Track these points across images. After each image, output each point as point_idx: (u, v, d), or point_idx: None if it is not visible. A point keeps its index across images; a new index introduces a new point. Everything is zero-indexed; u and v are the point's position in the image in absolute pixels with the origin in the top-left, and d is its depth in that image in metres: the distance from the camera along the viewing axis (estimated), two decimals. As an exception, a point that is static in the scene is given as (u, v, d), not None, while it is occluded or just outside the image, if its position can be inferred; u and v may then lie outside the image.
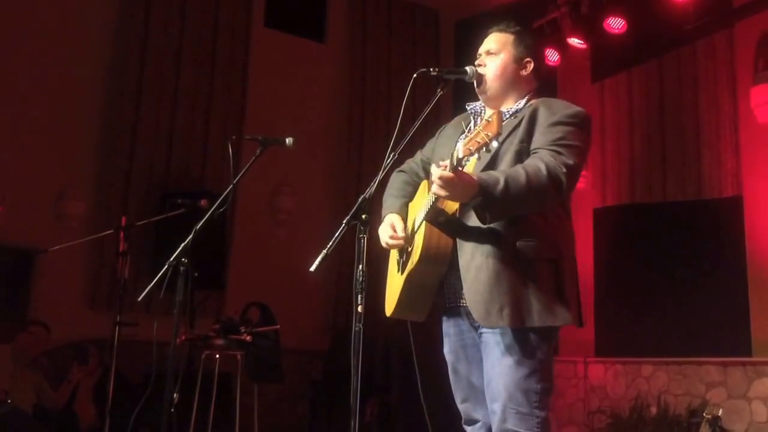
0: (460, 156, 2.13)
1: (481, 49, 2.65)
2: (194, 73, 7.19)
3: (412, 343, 2.62)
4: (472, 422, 2.57)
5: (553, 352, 2.45)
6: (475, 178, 2.22)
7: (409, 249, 2.49)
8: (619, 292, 6.89)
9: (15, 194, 6.05)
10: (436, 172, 2.19)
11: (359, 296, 2.26)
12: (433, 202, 2.34)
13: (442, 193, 2.20)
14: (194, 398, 5.04)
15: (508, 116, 2.54)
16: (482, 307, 2.32)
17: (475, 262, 2.35)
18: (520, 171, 2.28)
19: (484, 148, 2.12)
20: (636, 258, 6.83)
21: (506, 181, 2.22)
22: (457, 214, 2.41)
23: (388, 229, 2.56)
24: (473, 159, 2.47)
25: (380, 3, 8.42)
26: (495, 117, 2.14)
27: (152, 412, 3.78)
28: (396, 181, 2.78)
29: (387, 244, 2.56)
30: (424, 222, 2.39)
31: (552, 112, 2.45)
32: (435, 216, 2.39)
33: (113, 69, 6.91)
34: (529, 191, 2.24)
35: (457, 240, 2.40)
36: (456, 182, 2.17)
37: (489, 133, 2.11)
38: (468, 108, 2.69)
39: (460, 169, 2.17)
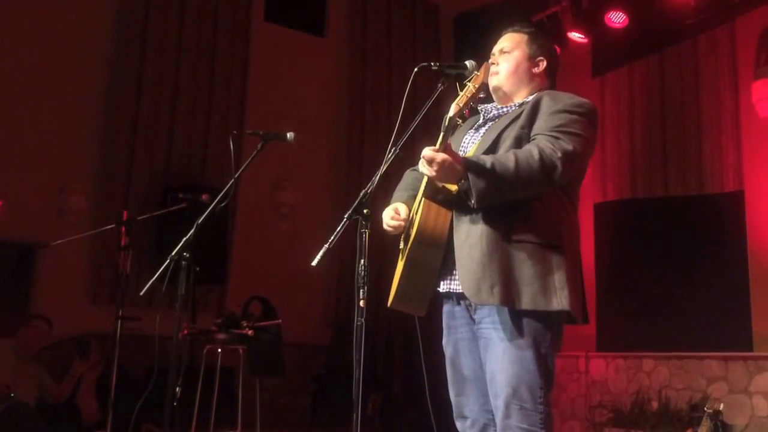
0: (451, 114, 2.17)
1: (495, 49, 2.67)
2: (194, 67, 7.19)
3: (419, 339, 2.61)
4: (462, 418, 2.56)
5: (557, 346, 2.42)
6: (461, 159, 2.23)
7: (410, 233, 2.49)
8: (620, 287, 6.90)
9: (16, 189, 6.07)
10: (424, 152, 2.23)
11: (361, 291, 2.26)
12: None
13: (427, 171, 2.23)
14: (196, 392, 5.05)
15: (514, 107, 2.56)
16: (473, 284, 2.30)
17: (469, 241, 2.35)
18: (509, 156, 2.27)
19: (471, 102, 2.21)
20: (637, 253, 6.83)
21: (493, 165, 2.23)
22: (456, 193, 2.41)
23: (390, 212, 2.56)
24: (474, 144, 2.49)
25: (380, -3, 8.43)
26: (483, 69, 2.23)
27: (154, 407, 3.79)
28: (407, 178, 2.78)
29: (387, 225, 2.55)
30: (422, 201, 2.39)
31: (556, 101, 2.45)
32: (434, 193, 2.39)
33: (114, 64, 6.91)
34: (517, 176, 2.24)
35: (454, 220, 2.39)
36: (441, 161, 2.19)
37: (476, 84, 2.18)
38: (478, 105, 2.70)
39: (451, 133, 2.22)
